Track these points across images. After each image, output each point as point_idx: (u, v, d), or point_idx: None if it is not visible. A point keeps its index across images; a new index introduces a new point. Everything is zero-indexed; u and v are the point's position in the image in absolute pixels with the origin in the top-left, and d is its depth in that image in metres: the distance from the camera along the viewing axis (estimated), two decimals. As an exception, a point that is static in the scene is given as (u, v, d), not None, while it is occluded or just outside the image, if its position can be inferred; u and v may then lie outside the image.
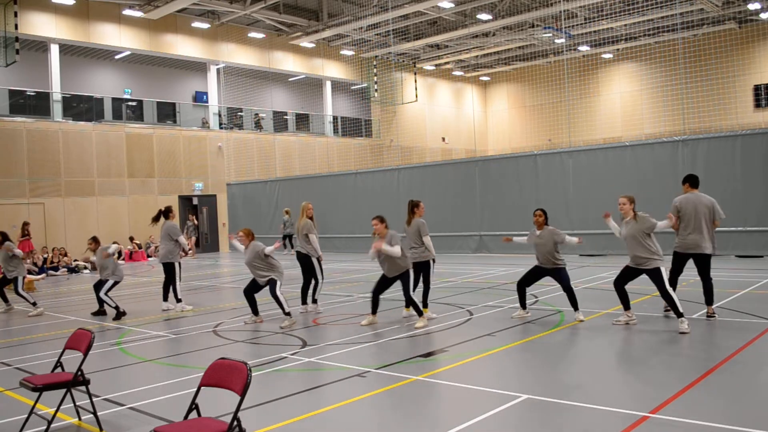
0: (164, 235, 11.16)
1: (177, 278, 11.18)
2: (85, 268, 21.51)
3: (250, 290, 9.46)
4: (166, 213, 11.33)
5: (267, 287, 9.23)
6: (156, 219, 11.35)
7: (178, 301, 11.17)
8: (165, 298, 11.29)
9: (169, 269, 11.14)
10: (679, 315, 7.49)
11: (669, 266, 8.10)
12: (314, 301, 10.33)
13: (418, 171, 22.07)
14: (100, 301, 10.87)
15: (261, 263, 9.21)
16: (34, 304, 11.53)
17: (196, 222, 25.82)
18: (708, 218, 8.15)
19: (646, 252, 7.65)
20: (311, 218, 10.29)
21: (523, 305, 8.87)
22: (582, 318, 8.40)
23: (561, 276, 8.52)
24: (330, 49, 32.23)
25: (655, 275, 7.61)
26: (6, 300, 12.21)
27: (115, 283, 10.87)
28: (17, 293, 11.61)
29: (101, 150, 24.67)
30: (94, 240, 11.28)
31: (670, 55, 27.65)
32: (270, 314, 9.88)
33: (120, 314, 10.50)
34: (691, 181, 8.49)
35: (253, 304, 9.55)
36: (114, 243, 11.69)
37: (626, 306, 8.09)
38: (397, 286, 8.93)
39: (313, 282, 10.28)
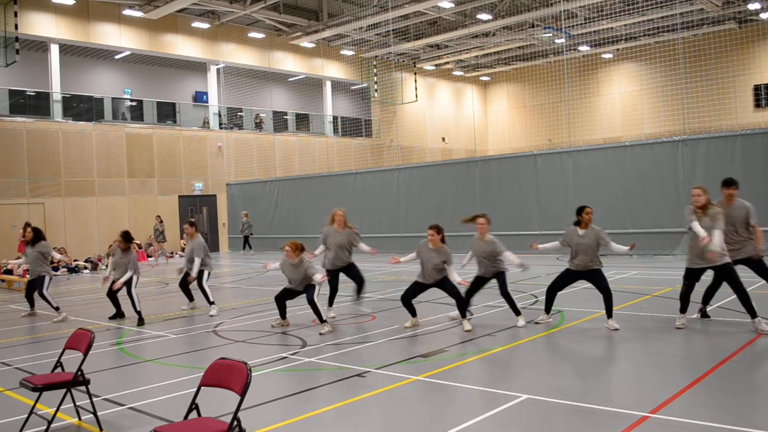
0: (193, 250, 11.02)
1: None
2: (85, 268, 21.51)
3: (282, 297, 9.06)
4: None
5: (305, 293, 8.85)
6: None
7: (191, 299, 11.26)
8: (210, 302, 10.85)
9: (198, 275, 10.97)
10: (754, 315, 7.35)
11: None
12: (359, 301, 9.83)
13: (418, 171, 22.06)
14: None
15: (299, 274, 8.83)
16: (57, 308, 10.93)
17: (162, 226, 23.20)
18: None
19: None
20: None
21: (548, 310, 8.48)
22: (616, 326, 7.82)
23: (598, 277, 7.99)
24: (330, 49, 32.23)
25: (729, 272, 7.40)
26: (32, 304, 11.57)
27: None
28: (41, 295, 10.99)
29: (101, 150, 24.67)
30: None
31: (670, 55, 27.65)
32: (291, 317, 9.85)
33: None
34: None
35: (282, 309, 9.13)
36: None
37: (684, 310, 7.72)
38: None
39: (356, 285, 9.80)
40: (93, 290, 15.51)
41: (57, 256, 12.24)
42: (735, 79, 28.78)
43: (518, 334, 7.91)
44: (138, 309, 10.12)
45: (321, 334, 8.40)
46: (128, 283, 10.23)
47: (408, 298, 8.61)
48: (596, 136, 32.44)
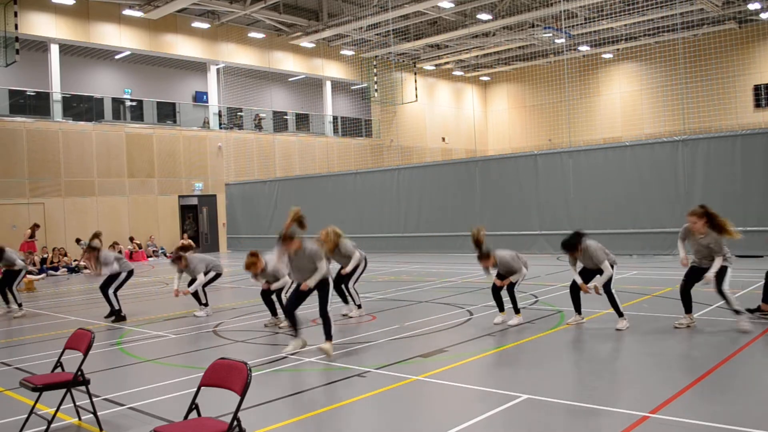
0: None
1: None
2: (86, 268, 21.49)
3: (266, 293, 9.26)
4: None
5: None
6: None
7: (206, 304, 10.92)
8: (201, 303, 10.75)
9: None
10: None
11: None
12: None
13: (418, 171, 22.06)
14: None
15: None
16: (20, 305, 11.49)
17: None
18: None
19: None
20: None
21: (578, 310, 8.26)
22: (621, 327, 7.77)
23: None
24: (330, 49, 32.24)
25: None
26: (19, 302, 11.62)
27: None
28: (11, 290, 11.50)
29: (101, 150, 24.68)
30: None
31: (670, 55, 27.65)
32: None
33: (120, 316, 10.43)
34: None
35: (270, 305, 9.31)
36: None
37: (688, 309, 7.72)
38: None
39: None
40: (93, 290, 15.50)
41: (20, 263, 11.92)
42: (735, 79, 28.77)
43: (518, 334, 7.91)
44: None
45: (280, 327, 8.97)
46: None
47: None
48: (596, 136, 32.43)
